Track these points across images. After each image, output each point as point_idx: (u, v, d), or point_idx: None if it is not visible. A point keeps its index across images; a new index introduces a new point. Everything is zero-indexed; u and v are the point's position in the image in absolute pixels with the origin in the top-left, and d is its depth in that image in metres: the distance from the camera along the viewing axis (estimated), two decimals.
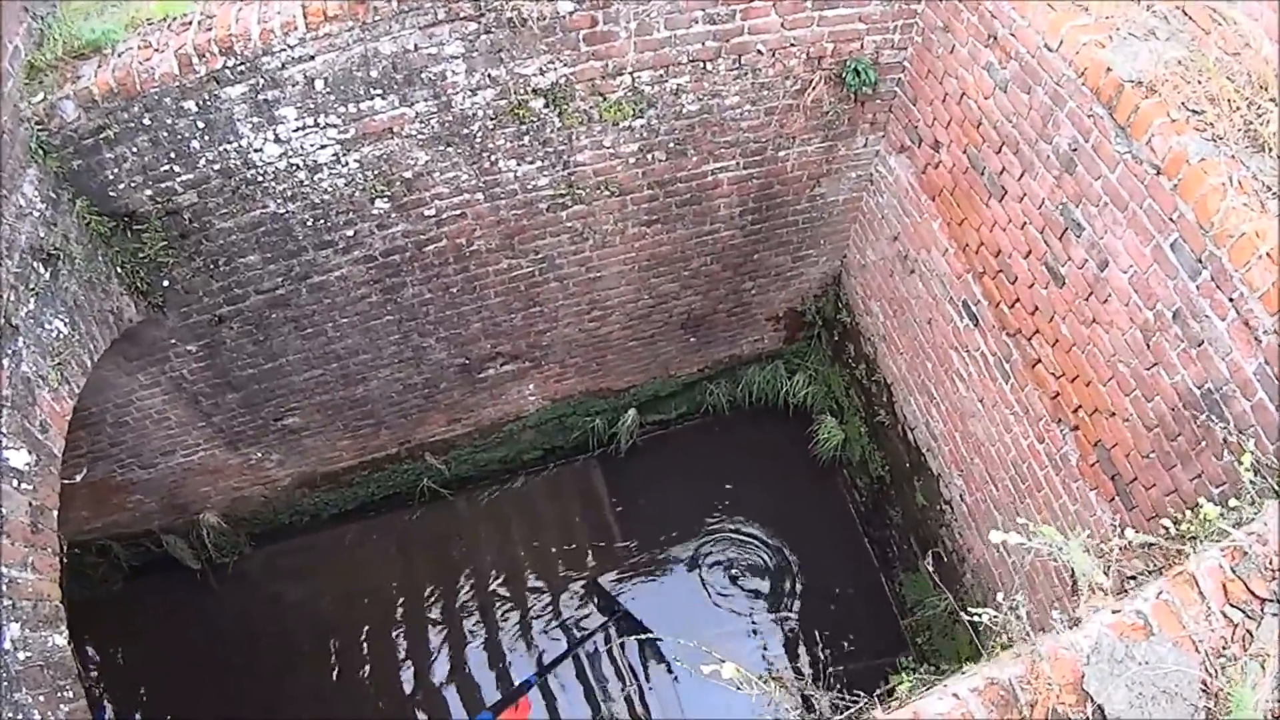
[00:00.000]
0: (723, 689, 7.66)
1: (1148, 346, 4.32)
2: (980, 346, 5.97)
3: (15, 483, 4.09)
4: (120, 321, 5.52)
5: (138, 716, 8.38)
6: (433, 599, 8.69)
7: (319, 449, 8.01)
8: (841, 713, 6.42)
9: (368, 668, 8.45)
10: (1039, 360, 5.33)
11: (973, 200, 5.57)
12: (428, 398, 7.82)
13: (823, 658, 8.09)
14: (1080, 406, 5.02)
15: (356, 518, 8.98)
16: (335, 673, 8.44)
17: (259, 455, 7.84)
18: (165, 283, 5.78)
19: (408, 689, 8.31)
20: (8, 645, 3.66)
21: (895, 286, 6.92)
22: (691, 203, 6.64)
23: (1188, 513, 3.64)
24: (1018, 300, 5.39)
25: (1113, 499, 4.89)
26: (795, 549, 8.82)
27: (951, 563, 7.08)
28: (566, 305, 7.30)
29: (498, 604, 8.62)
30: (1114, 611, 2.81)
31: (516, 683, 8.00)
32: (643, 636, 8.05)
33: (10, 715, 3.52)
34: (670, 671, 8.13)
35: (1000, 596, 6.37)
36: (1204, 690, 2.62)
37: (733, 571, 8.65)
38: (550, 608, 8.56)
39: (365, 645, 8.54)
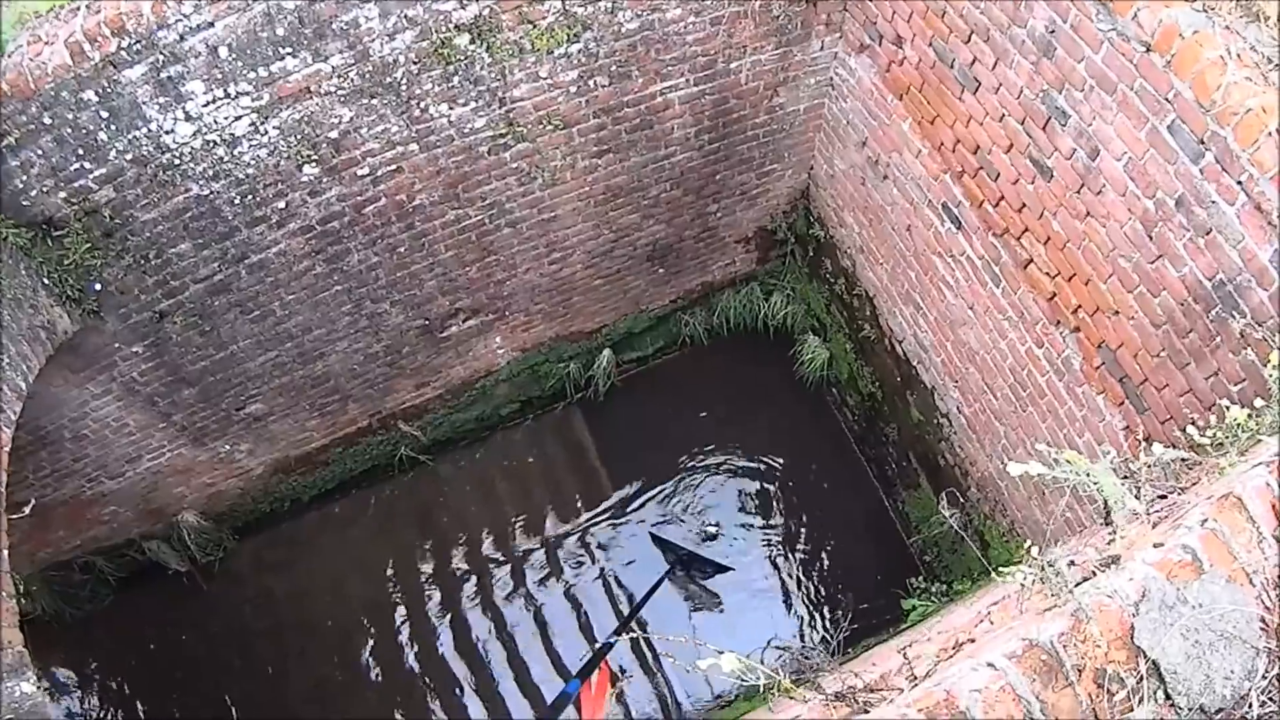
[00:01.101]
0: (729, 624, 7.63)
1: (1150, 238, 4.07)
2: (965, 250, 5.71)
3: None
4: (54, 335, 5.27)
5: None
6: (426, 571, 8.52)
7: (287, 433, 7.78)
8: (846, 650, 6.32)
9: (368, 653, 8.32)
10: (1031, 260, 5.08)
11: (944, 96, 5.25)
12: (392, 365, 7.57)
13: (830, 585, 8.00)
14: (1080, 307, 4.78)
15: (339, 496, 8.79)
16: (336, 662, 8.31)
17: (227, 448, 7.63)
18: (97, 286, 5.54)
19: (413, 668, 8.18)
20: None
21: (868, 195, 6.63)
22: (642, 128, 6.32)
23: (1212, 418, 3.44)
24: (1002, 198, 5.12)
25: (1122, 403, 4.68)
26: (790, 473, 8.66)
27: (954, 476, 6.92)
28: (523, 251, 7.03)
29: (492, 567, 8.46)
30: (1157, 546, 2.53)
31: (594, 646, 7.80)
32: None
33: None
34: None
35: (1008, 511, 6.24)
36: (1263, 628, 2.36)
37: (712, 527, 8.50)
38: (546, 564, 8.40)
39: (363, 629, 8.39)
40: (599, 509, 8.65)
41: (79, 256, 5.23)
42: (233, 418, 7.32)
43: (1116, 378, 4.66)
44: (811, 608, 8.02)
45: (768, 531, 8.42)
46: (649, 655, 7.92)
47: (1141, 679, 2.24)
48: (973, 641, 2.76)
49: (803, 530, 8.36)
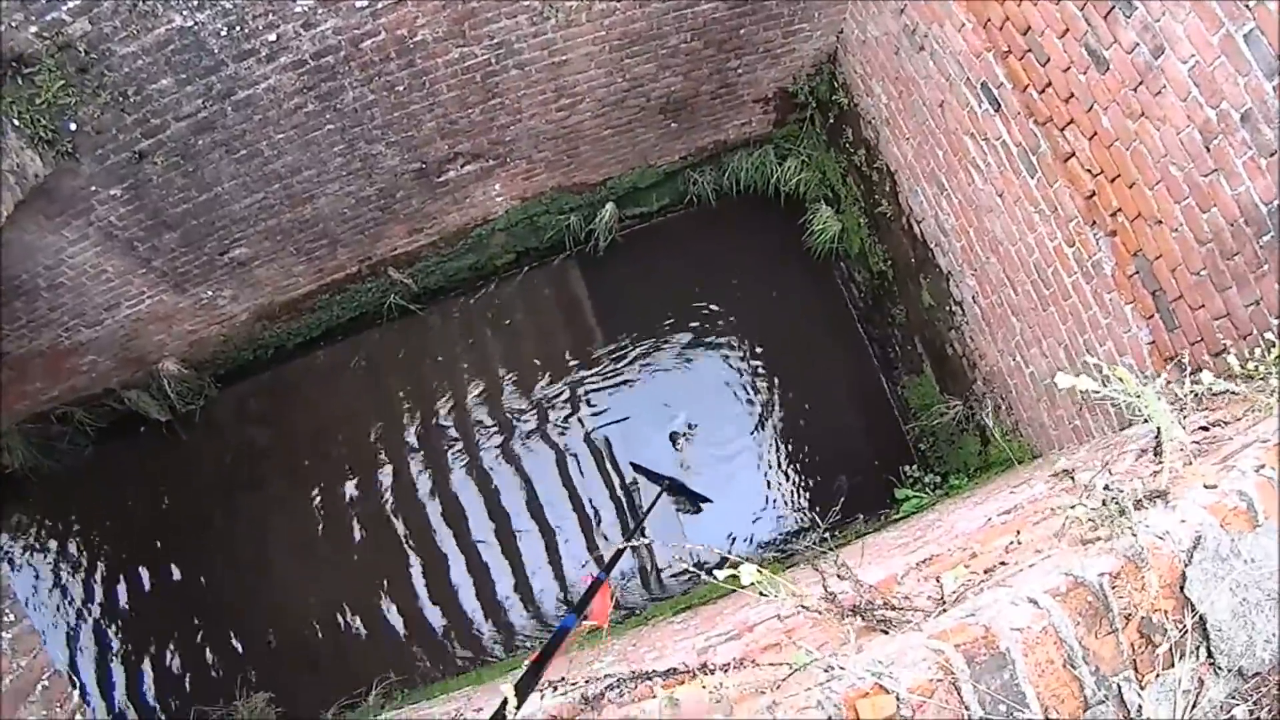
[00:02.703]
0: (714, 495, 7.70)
1: (1208, 150, 3.92)
2: (1002, 135, 5.52)
3: None
4: (24, 179, 5.16)
5: (120, 580, 8.39)
6: (411, 424, 8.54)
7: (273, 278, 7.67)
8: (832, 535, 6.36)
9: (350, 506, 8.40)
10: (1073, 154, 4.91)
11: None
12: (384, 209, 7.41)
13: (821, 463, 8.07)
14: (1120, 210, 4.65)
15: (324, 344, 8.71)
16: (318, 515, 8.41)
17: (210, 294, 7.52)
18: (72, 126, 5.38)
19: (395, 522, 8.29)
20: None
21: (901, 65, 6.37)
22: None
23: (1248, 349, 3.37)
24: (1049, 85, 4.91)
25: (1151, 316, 4.61)
26: (788, 344, 8.63)
27: (961, 367, 6.90)
28: (530, 95, 6.80)
29: (478, 423, 8.48)
30: (1209, 488, 2.36)
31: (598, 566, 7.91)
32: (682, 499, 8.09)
33: None
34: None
35: (1014, 410, 6.25)
36: None
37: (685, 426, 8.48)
38: (535, 423, 8.43)
39: (346, 482, 8.46)
40: (590, 366, 8.61)
41: (52, 95, 5.04)
42: (216, 263, 7.21)
43: (1149, 290, 4.57)
44: (800, 483, 8.10)
45: (759, 401, 8.44)
46: (631, 519, 8.07)
47: (1186, 633, 2.12)
48: (1004, 565, 2.63)
49: (797, 404, 8.38)
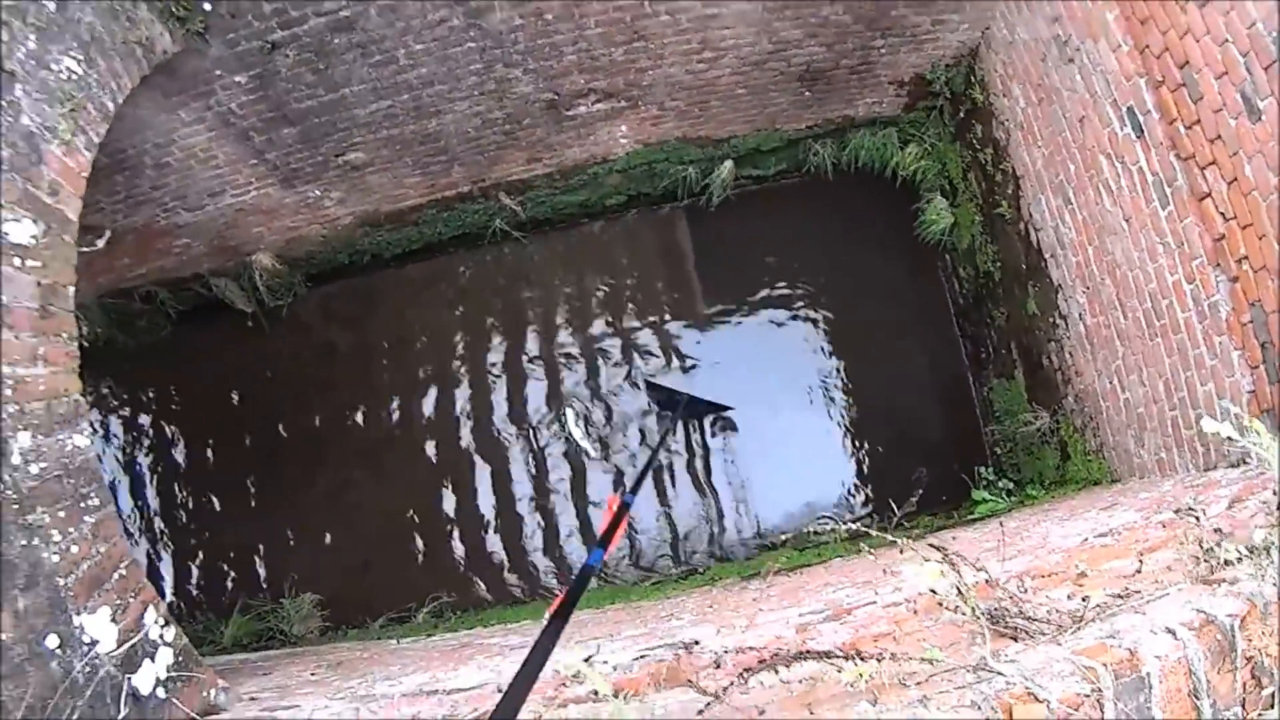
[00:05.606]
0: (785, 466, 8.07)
1: None
2: (1140, 161, 5.74)
3: (18, 261, 3.61)
4: (152, 54, 5.16)
5: (181, 465, 8.88)
6: (497, 348, 8.97)
7: (384, 186, 8.01)
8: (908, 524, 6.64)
9: (422, 421, 8.85)
10: (1209, 194, 5.14)
11: None
12: (508, 134, 7.71)
13: (898, 451, 8.37)
14: (1246, 258, 4.89)
15: (421, 258, 9.11)
16: (390, 424, 8.87)
17: (317, 193, 7.85)
18: (206, 6, 5.48)
19: (465, 447, 8.74)
20: (16, 459, 3.34)
21: (1045, 73, 6.58)
22: None
23: None
24: (1198, 122, 5.13)
25: (1256, 367, 4.87)
26: (881, 327, 8.96)
27: (1054, 380, 7.17)
28: (675, 43, 7.04)
29: (564, 353, 8.92)
30: None
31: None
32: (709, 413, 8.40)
33: (24, 542, 3.28)
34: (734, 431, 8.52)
35: (1099, 432, 6.51)
36: None
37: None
38: (620, 363, 8.85)
39: (421, 395, 8.91)
40: (681, 317, 8.99)
41: None
42: (330, 163, 7.50)
43: (1260, 341, 4.82)
44: (875, 466, 8.44)
45: (843, 377, 8.79)
46: (702, 473, 8.47)
47: None
48: (1132, 593, 2.86)
49: (881, 388, 8.73)
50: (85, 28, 4.43)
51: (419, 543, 8.65)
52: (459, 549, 8.59)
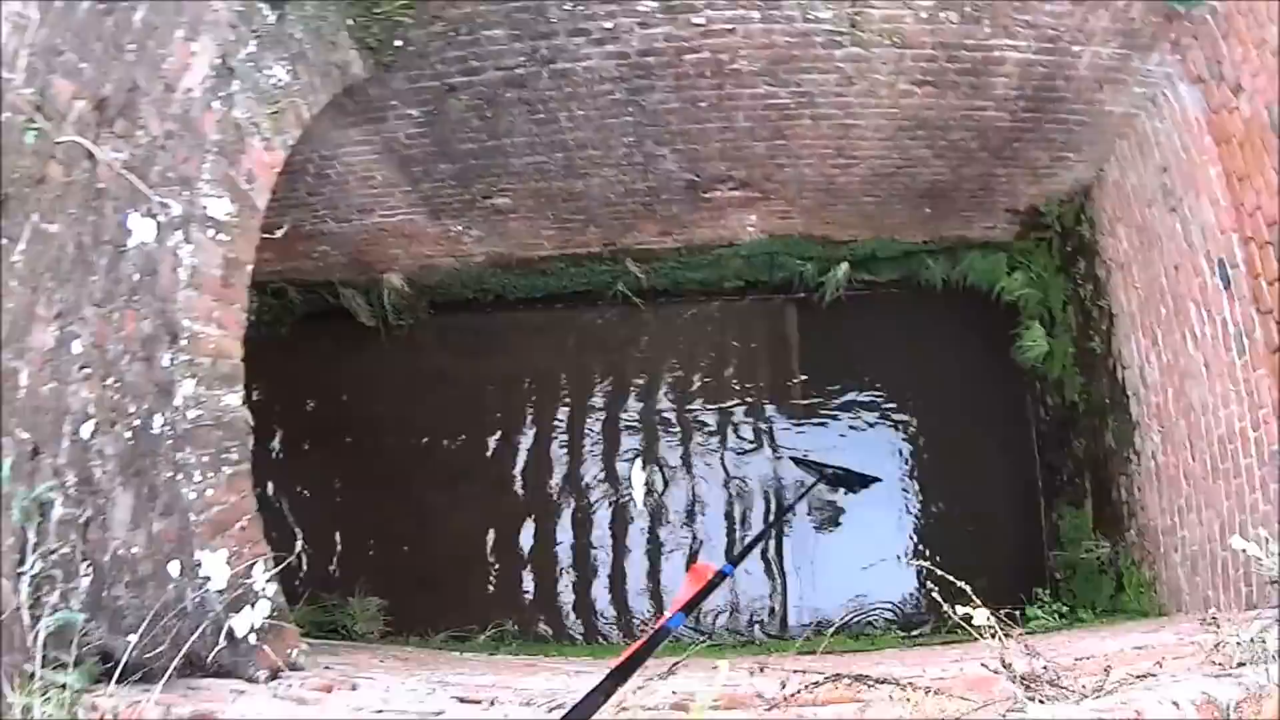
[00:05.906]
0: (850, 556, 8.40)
1: None
2: (1224, 312, 6.03)
3: (212, 232, 4.11)
4: (345, 76, 5.64)
5: (275, 458, 9.39)
6: (598, 403, 9.50)
7: (521, 233, 8.57)
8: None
9: (516, 458, 9.37)
10: None
11: (1263, 161, 5.50)
12: (646, 205, 8.24)
13: (960, 562, 8.57)
14: None
15: (542, 306, 9.66)
16: (483, 458, 9.38)
17: (459, 228, 8.41)
18: (398, 43, 5.89)
19: (552, 490, 9.24)
20: (179, 401, 3.78)
21: (1149, 218, 6.92)
22: (970, 74, 6.61)
23: None
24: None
25: None
26: (963, 445, 9.29)
27: (1121, 513, 7.39)
28: (814, 145, 7.47)
29: (662, 421, 9.43)
30: None
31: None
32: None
33: (170, 474, 3.71)
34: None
35: (1155, 567, 6.72)
36: None
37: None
38: (715, 439, 9.33)
39: (519, 435, 9.44)
40: (779, 404, 9.45)
41: (392, 9, 5.61)
42: (477, 203, 8.03)
43: None
44: (934, 574, 8.63)
45: (919, 487, 9.15)
46: (773, 549, 8.88)
47: None
48: (1154, 677, 3.23)
49: (955, 500, 9.06)
50: (295, 43, 4.98)
51: (492, 570, 9.10)
52: (529, 582, 9.03)
